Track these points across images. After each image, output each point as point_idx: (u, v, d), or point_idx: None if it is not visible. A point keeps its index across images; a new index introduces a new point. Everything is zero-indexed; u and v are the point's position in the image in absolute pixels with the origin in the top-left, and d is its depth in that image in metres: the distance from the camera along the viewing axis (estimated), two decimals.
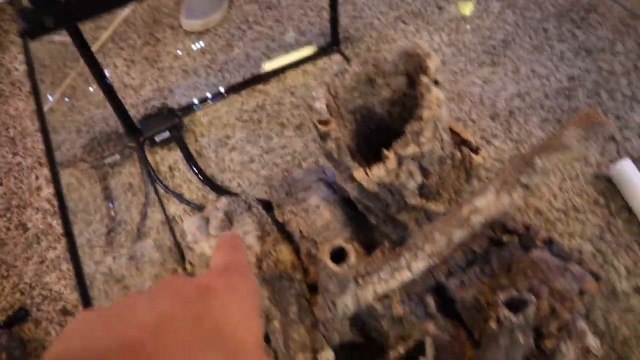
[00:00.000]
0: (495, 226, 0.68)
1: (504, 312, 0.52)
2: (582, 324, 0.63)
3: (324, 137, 0.57)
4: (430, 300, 0.64)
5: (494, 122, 0.92)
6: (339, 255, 0.44)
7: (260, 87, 1.03)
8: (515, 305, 0.55)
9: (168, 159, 0.94)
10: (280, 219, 0.73)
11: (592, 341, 0.62)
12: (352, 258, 0.44)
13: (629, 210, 0.79)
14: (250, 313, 0.24)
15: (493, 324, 0.54)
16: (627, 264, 0.74)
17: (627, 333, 0.69)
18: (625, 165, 0.80)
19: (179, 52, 1.14)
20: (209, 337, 0.21)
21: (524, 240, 0.65)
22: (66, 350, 0.20)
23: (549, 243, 0.64)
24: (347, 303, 0.52)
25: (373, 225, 0.73)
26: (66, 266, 0.83)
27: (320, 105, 0.56)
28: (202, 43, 1.15)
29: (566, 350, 0.61)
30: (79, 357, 0.18)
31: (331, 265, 0.43)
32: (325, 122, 0.56)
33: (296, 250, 0.72)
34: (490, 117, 0.92)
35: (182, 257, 0.80)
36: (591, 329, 0.70)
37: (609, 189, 0.81)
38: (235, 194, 0.84)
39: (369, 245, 0.70)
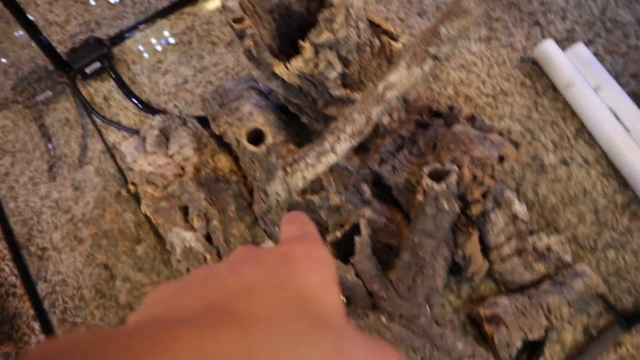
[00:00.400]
0: (422, 110, 0.70)
1: (427, 182, 0.55)
2: (509, 194, 0.67)
3: (240, 35, 0.57)
4: (366, 189, 0.67)
5: (421, 19, 0.92)
6: (258, 140, 0.46)
7: (188, 9, 1.01)
8: (440, 177, 0.57)
9: (102, 90, 0.92)
10: (217, 132, 0.73)
11: (519, 207, 0.66)
12: (269, 139, 0.45)
13: (554, 88, 0.82)
14: (330, 280, 0.24)
15: (420, 196, 0.57)
16: (553, 139, 0.78)
17: (554, 201, 0.73)
18: (548, 46, 0.82)
19: None
20: (294, 304, 0.20)
21: (448, 119, 0.67)
22: (150, 316, 0.20)
23: (472, 119, 0.66)
24: (277, 191, 0.53)
25: (307, 128, 0.74)
26: (13, 204, 0.83)
27: (232, 3, 0.56)
28: None
29: (496, 218, 0.64)
30: (166, 321, 0.18)
31: (249, 146, 0.45)
32: (239, 20, 0.56)
33: (235, 160, 0.73)
34: (417, 14, 0.93)
35: (125, 180, 0.80)
36: (522, 200, 0.74)
37: (535, 71, 0.84)
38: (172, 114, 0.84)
39: None
